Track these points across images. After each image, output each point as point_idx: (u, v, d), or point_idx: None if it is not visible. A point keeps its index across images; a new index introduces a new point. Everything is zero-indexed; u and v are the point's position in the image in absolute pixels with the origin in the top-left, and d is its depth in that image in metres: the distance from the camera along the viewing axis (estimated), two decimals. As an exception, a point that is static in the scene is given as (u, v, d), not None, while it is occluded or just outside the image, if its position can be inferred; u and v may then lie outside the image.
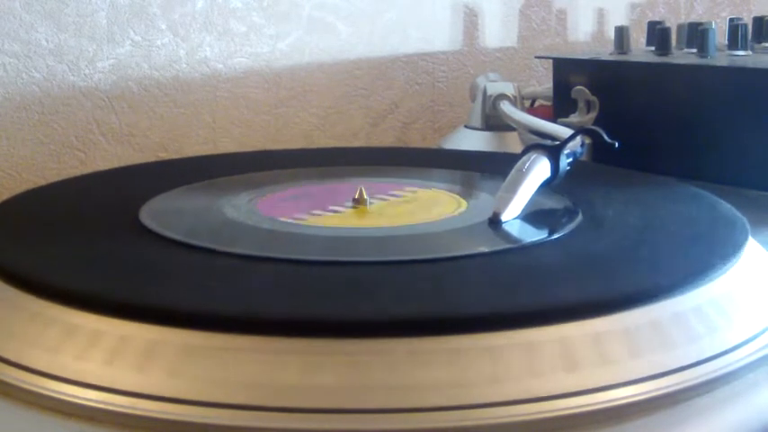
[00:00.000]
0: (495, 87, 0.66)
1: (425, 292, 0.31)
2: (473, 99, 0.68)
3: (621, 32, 0.64)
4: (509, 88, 0.65)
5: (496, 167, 0.45)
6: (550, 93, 0.64)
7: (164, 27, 0.65)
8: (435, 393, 0.26)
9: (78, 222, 0.40)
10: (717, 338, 0.30)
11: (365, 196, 0.43)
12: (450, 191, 0.46)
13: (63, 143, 0.62)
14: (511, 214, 0.39)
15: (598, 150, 0.54)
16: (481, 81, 0.68)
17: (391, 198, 0.44)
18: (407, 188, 0.46)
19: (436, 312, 0.29)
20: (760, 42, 0.64)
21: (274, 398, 0.26)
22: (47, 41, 0.61)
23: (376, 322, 0.28)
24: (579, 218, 0.39)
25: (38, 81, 0.61)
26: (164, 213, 0.41)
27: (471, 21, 0.78)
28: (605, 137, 0.45)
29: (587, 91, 0.60)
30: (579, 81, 0.60)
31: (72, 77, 0.62)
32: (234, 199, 0.44)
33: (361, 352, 0.27)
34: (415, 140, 0.77)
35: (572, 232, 0.38)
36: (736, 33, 0.61)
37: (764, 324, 0.32)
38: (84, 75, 0.62)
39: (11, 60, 0.60)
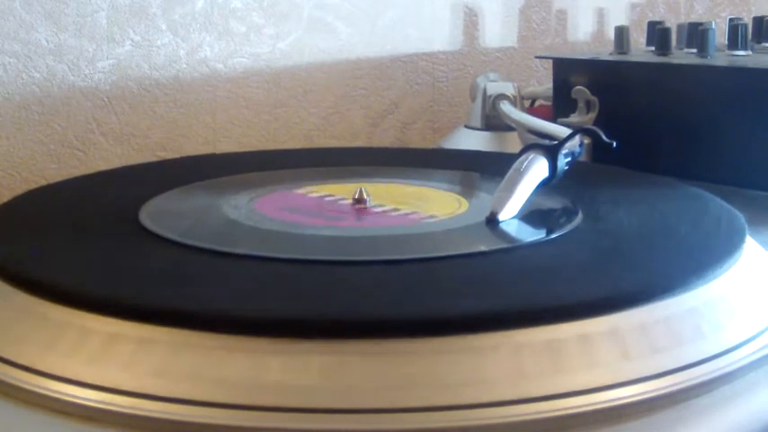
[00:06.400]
0: (495, 87, 0.66)
1: (424, 293, 0.31)
2: (473, 99, 0.68)
3: (621, 32, 0.64)
4: (509, 88, 0.65)
5: (496, 167, 0.45)
6: (550, 93, 0.64)
7: (164, 27, 0.65)
8: (433, 393, 0.26)
9: (78, 222, 0.40)
10: (716, 338, 0.30)
11: (365, 196, 0.43)
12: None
13: (63, 143, 0.62)
14: (508, 214, 0.39)
15: (597, 150, 0.54)
16: (481, 81, 0.68)
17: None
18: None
19: (434, 313, 0.29)
20: (760, 42, 0.64)
21: (273, 398, 0.26)
22: (47, 41, 0.61)
23: (374, 322, 0.28)
24: (578, 218, 0.39)
25: (38, 81, 0.61)
26: (163, 213, 0.41)
27: (471, 21, 0.78)
28: (603, 137, 0.45)
29: (587, 91, 0.60)
30: (579, 81, 0.60)
31: (72, 77, 0.62)
32: (234, 199, 0.44)
33: (359, 352, 0.27)
34: (415, 140, 0.77)
35: (570, 232, 0.38)
36: (736, 33, 0.61)
37: (764, 324, 0.32)
38: (84, 75, 0.62)
39: (11, 60, 0.60)
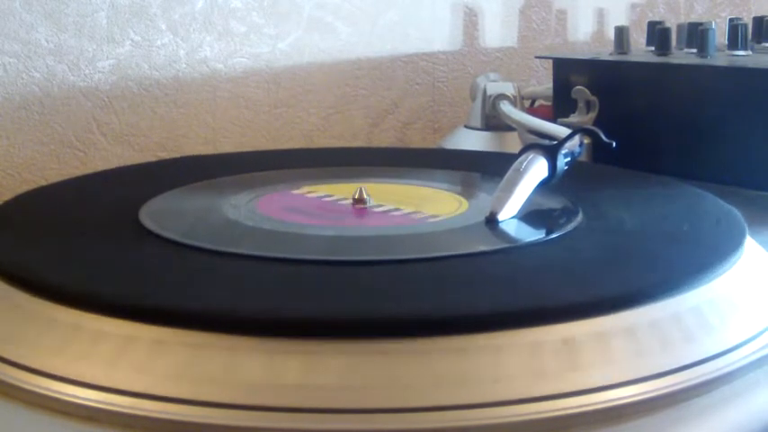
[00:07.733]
0: (495, 87, 0.66)
1: (425, 292, 0.31)
2: (473, 99, 0.68)
3: (621, 32, 0.64)
4: (509, 88, 0.66)
5: (496, 167, 0.45)
6: (550, 93, 0.64)
7: (164, 27, 0.65)
8: (436, 393, 0.26)
9: (78, 222, 0.40)
10: (717, 338, 0.30)
11: (365, 196, 0.43)
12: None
13: (63, 143, 0.62)
14: (508, 214, 0.39)
15: (597, 150, 0.54)
16: (481, 81, 0.68)
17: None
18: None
19: (436, 312, 0.29)
20: (760, 42, 0.64)
21: (274, 398, 0.26)
22: (47, 41, 0.61)
23: (376, 322, 0.28)
24: (578, 218, 0.39)
25: (38, 81, 0.61)
26: (163, 213, 0.41)
27: (471, 21, 0.78)
28: (602, 137, 0.45)
29: (587, 91, 0.60)
30: (579, 81, 0.61)
31: (72, 77, 0.62)
32: (234, 199, 0.44)
33: (361, 352, 0.27)
34: (415, 140, 0.77)
35: (571, 232, 0.38)
36: (736, 33, 0.61)
37: (764, 324, 0.32)
38: (84, 75, 0.62)
39: (11, 60, 0.60)
